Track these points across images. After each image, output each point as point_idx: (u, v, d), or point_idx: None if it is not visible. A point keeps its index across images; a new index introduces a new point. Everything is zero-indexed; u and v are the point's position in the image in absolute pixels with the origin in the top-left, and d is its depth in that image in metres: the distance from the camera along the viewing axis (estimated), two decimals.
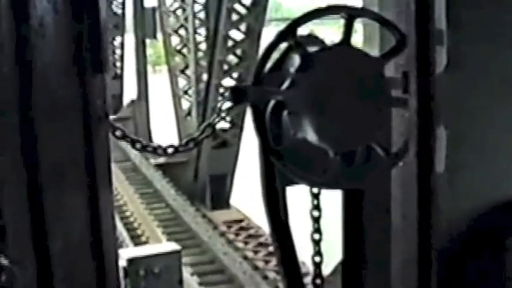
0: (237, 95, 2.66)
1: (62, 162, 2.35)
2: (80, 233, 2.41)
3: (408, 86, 2.51)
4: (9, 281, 2.17)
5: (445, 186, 2.64)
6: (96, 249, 2.45)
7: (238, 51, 14.87)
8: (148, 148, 2.85)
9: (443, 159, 2.65)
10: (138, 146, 2.82)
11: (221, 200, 15.70)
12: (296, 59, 2.69)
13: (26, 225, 2.28)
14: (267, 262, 11.22)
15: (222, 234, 12.93)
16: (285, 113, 2.65)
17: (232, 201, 15.97)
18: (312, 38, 2.82)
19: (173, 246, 3.43)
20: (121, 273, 3.06)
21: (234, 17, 14.51)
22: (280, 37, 2.69)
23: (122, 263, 3.12)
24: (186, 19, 17.60)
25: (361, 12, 2.80)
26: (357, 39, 2.88)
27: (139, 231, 13.77)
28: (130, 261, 3.16)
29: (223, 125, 14.70)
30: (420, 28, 2.38)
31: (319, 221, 3.01)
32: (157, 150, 2.85)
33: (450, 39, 2.61)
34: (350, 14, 2.72)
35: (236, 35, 14.81)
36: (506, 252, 2.73)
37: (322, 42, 2.82)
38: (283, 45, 2.75)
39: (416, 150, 2.41)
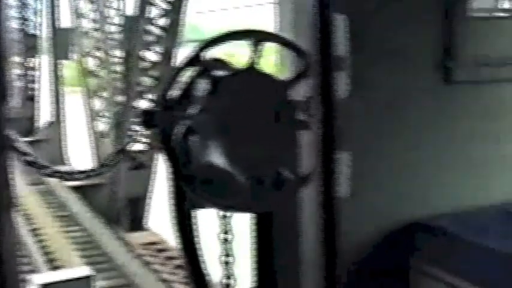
0: (148, 119, 2.65)
1: None
2: None
3: (312, 110, 2.53)
4: None
5: (349, 210, 2.67)
6: None
7: (154, 73, 14.80)
8: (56, 174, 2.82)
9: (347, 183, 2.67)
10: (47, 171, 2.79)
11: (137, 222, 15.57)
12: (203, 84, 2.68)
13: None
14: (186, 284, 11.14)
15: (139, 256, 12.80)
16: (194, 138, 2.64)
17: (150, 223, 15.85)
18: (219, 63, 2.82)
19: (85, 271, 3.41)
20: None
21: (150, 38, 14.46)
22: (187, 63, 2.68)
23: None
24: (101, 40, 17.44)
25: (268, 36, 2.79)
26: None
27: (56, 255, 13.53)
28: (44, 286, 3.13)
29: (139, 146, 14.62)
30: (323, 54, 2.40)
31: (228, 243, 2.99)
32: (64, 176, 2.82)
33: (351, 65, 2.65)
34: (256, 39, 2.73)
35: (152, 56, 14.75)
36: (410, 271, 2.77)
37: (229, 66, 2.81)
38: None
39: (320, 175, 2.43)
